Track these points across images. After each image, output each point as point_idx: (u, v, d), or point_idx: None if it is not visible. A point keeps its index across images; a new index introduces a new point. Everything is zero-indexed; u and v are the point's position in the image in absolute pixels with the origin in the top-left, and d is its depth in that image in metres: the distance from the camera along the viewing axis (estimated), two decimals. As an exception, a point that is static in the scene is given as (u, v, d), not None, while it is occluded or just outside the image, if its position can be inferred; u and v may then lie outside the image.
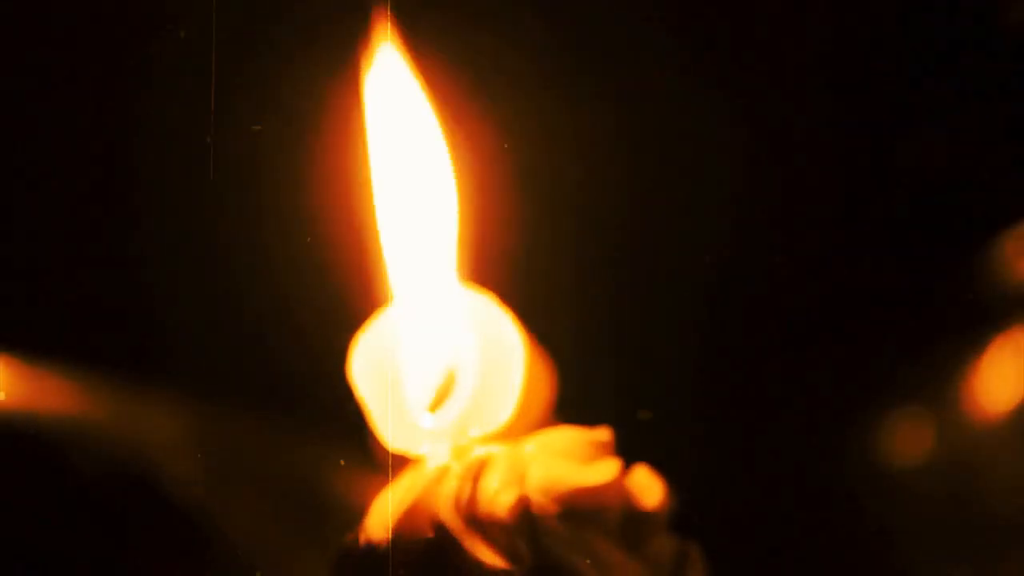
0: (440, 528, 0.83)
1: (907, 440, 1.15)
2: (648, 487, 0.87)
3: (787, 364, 1.12)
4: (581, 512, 0.84)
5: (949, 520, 1.15)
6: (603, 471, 0.85)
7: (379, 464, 0.88)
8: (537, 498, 0.84)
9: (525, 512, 0.83)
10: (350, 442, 0.92)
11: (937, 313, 1.14)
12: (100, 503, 1.11)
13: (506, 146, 1.01)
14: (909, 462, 1.15)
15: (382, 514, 0.84)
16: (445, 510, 0.83)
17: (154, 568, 1.11)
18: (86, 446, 1.11)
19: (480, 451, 0.86)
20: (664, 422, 1.02)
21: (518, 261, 0.98)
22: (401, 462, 0.87)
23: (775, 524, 1.08)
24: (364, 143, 0.88)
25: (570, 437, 0.87)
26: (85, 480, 1.11)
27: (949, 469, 1.15)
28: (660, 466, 0.87)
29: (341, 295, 0.95)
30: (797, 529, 1.10)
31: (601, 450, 0.87)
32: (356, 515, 0.86)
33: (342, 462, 1.01)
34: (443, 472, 0.85)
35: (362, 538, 0.84)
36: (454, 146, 0.91)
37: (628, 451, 0.87)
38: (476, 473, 0.84)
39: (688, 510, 0.88)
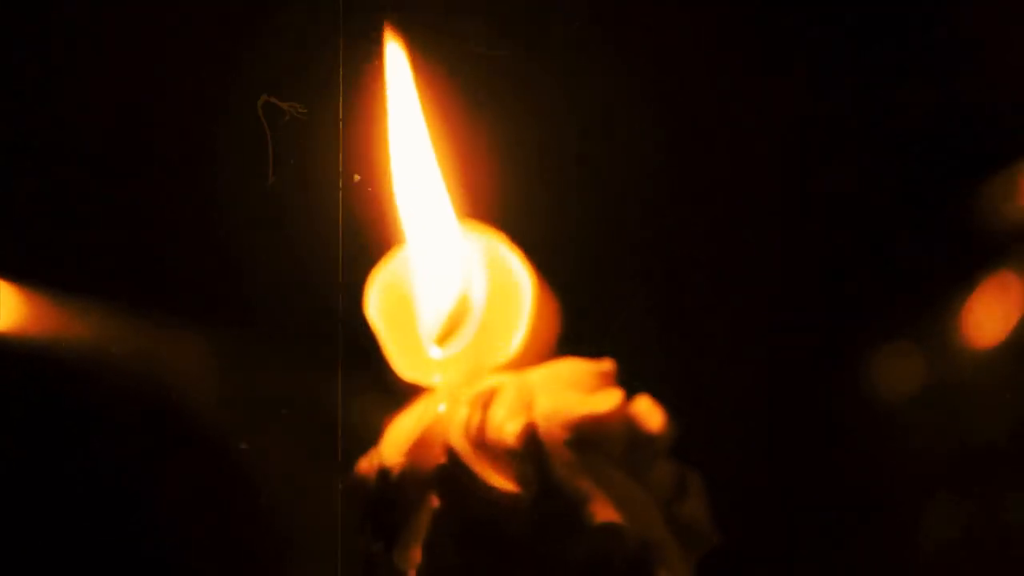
0: (450, 454, 0.85)
1: (897, 373, 1.18)
2: (650, 415, 0.90)
3: (781, 298, 1.14)
4: (586, 439, 0.87)
5: (938, 450, 1.18)
6: (607, 400, 0.88)
7: (392, 393, 0.91)
8: (544, 425, 0.86)
9: (532, 439, 0.85)
10: (365, 372, 0.95)
11: (928, 250, 1.16)
12: (118, 432, 1.14)
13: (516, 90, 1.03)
14: (899, 395, 1.18)
15: (394, 441, 0.87)
16: (455, 437, 0.86)
17: (171, 496, 1.14)
18: (103, 375, 1.13)
19: (489, 381, 0.88)
20: (666, 353, 1.05)
21: (526, 200, 1.00)
22: (413, 391, 0.90)
23: (769, 453, 1.11)
24: (380, 87, 0.90)
25: (575, 368, 0.89)
26: (103, 409, 1.13)
27: (938, 401, 1.18)
28: (661, 396, 0.90)
29: (357, 232, 0.97)
30: (790, 459, 1.13)
31: (605, 380, 0.89)
32: (370, 442, 0.88)
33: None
34: (453, 401, 0.87)
35: (375, 463, 0.87)
36: (464, 89, 0.93)
37: (631, 381, 0.89)
38: (485, 402, 0.87)
39: (689, 438, 0.90)
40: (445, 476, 0.85)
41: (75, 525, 1.14)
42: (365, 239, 0.94)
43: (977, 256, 1.17)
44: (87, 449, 1.14)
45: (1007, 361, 1.17)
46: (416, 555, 0.86)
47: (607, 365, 0.90)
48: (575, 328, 0.92)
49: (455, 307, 0.91)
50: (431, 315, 0.90)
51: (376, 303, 0.91)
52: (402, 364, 0.91)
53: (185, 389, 1.12)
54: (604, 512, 0.85)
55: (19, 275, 1.13)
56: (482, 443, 0.86)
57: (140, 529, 1.15)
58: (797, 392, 1.15)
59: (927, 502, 1.18)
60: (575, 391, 0.88)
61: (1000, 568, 1.16)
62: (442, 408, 0.87)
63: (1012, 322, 1.17)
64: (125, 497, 1.14)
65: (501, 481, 0.85)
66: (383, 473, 0.87)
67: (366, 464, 0.88)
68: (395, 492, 0.86)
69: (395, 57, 0.90)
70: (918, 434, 1.18)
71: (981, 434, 1.17)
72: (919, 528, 1.18)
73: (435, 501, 0.85)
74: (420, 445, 0.86)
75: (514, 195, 0.98)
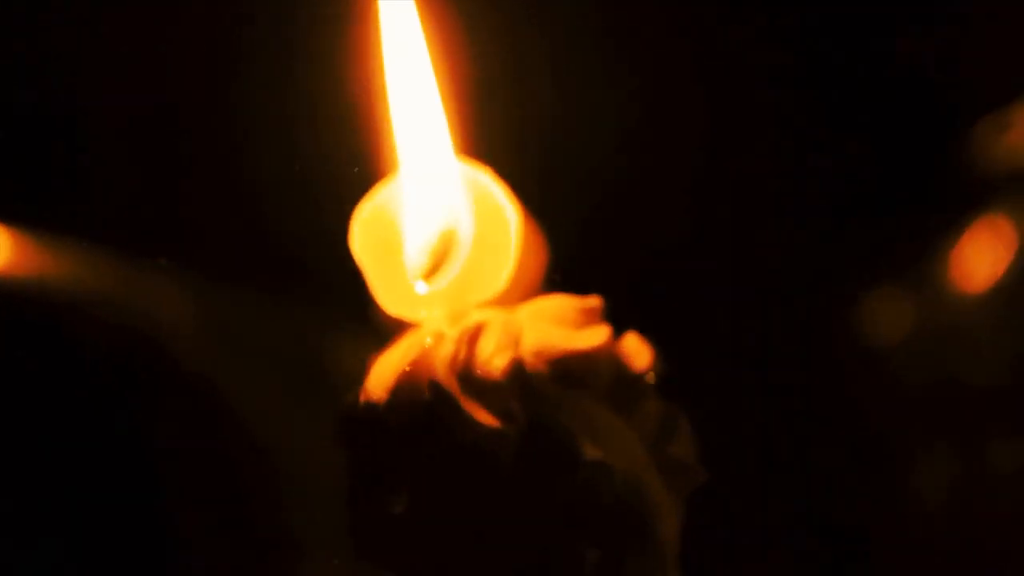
0: (436, 389, 0.85)
1: (888, 316, 1.18)
2: (638, 353, 0.89)
3: (773, 239, 1.14)
4: (572, 375, 0.87)
5: (929, 393, 1.18)
6: (594, 336, 0.87)
7: (378, 329, 0.91)
8: (530, 361, 0.85)
9: (518, 374, 0.85)
10: (350, 307, 0.94)
11: (919, 193, 1.16)
12: (108, 376, 1.14)
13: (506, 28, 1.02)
14: (890, 338, 1.18)
15: (379, 376, 0.86)
16: (441, 372, 0.85)
17: (161, 439, 1.14)
18: (93, 319, 1.13)
19: (475, 317, 0.88)
20: (654, 290, 1.05)
21: (514, 136, 1.00)
22: (399, 327, 0.90)
23: (759, 393, 1.11)
24: (372, 19, 0.90)
25: (562, 304, 0.89)
26: (93, 353, 1.13)
27: (929, 344, 1.18)
28: (649, 333, 0.90)
29: (343, 166, 0.97)
30: (780, 402, 1.13)
31: (592, 317, 0.89)
32: (356, 378, 0.88)
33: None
34: (439, 336, 0.87)
35: (361, 399, 0.86)
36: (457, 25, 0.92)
37: (618, 318, 0.89)
38: (471, 337, 0.86)
39: (676, 376, 0.90)
40: (431, 412, 0.85)
41: (56, 467, 1.14)
42: (350, 172, 0.93)
43: (968, 199, 1.17)
44: (68, 391, 1.13)
45: (998, 304, 1.17)
46: (402, 492, 0.85)
47: (594, 302, 0.89)
48: (563, 264, 0.92)
49: (441, 242, 0.90)
50: (417, 249, 0.90)
51: (361, 237, 0.90)
52: (387, 299, 0.90)
53: (168, 330, 1.12)
54: (591, 449, 0.84)
55: (1, 215, 1.12)
56: (468, 379, 0.85)
57: (122, 470, 1.14)
58: (787, 333, 1.14)
59: (918, 445, 1.18)
60: (562, 327, 0.88)
61: (990, 511, 1.16)
62: (428, 343, 0.86)
63: (1003, 265, 1.16)
64: (109, 439, 1.14)
65: (487, 417, 0.85)
66: (369, 409, 0.86)
67: (351, 400, 0.87)
68: (380, 428, 0.86)
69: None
70: (909, 377, 1.18)
71: (972, 377, 1.17)
72: (909, 471, 1.18)
73: (421, 437, 0.85)
74: (405, 381, 0.86)
75: (502, 129, 0.97)
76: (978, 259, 1.16)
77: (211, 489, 1.12)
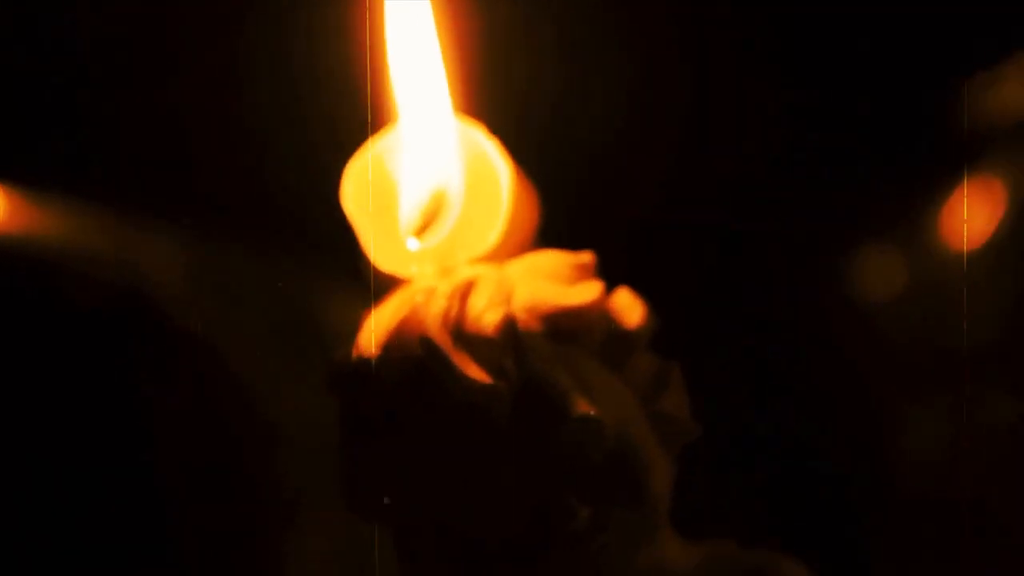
0: (428, 345, 0.85)
1: (879, 273, 1.18)
2: (629, 308, 0.89)
3: (764, 195, 1.14)
4: (565, 330, 0.87)
5: (918, 352, 1.18)
6: (586, 292, 0.88)
7: (370, 285, 0.91)
8: (522, 317, 0.86)
9: (511, 330, 0.85)
10: (342, 264, 0.94)
11: (911, 149, 1.16)
12: (99, 332, 1.14)
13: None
14: (880, 294, 1.18)
15: (373, 332, 0.86)
16: (433, 328, 0.85)
17: (152, 395, 1.14)
18: (85, 275, 1.12)
19: (467, 272, 0.88)
20: (645, 245, 1.05)
21: (507, 93, 1.00)
22: (391, 283, 0.90)
23: (748, 350, 1.11)
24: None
25: (555, 260, 0.89)
26: (84, 309, 1.13)
27: (919, 301, 1.18)
28: (641, 288, 0.90)
29: (335, 121, 0.97)
30: (768, 357, 1.13)
31: (584, 272, 0.89)
32: (348, 334, 0.88)
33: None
34: (431, 292, 0.87)
35: (353, 354, 0.87)
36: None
37: (610, 274, 0.89)
38: (463, 293, 0.87)
39: (668, 331, 0.90)
40: (422, 367, 0.85)
41: (46, 423, 1.14)
42: (343, 129, 0.93)
43: (960, 155, 1.17)
44: (61, 347, 1.13)
45: (989, 262, 1.17)
46: (394, 446, 0.86)
47: (586, 257, 0.89)
48: (554, 221, 0.92)
49: (433, 198, 0.90)
50: (410, 205, 0.90)
51: (353, 194, 0.90)
52: (379, 255, 0.90)
53: (159, 286, 1.12)
54: (582, 404, 0.84)
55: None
56: (460, 334, 0.86)
57: (113, 426, 1.14)
58: (777, 290, 1.14)
59: (906, 402, 1.18)
60: (554, 283, 0.88)
61: (978, 468, 1.16)
62: (420, 299, 0.86)
63: (994, 223, 1.16)
64: (100, 395, 1.14)
65: (479, 372, 0.85)
66: (361, 365, 0.86)
67: (344, 356, 0.88)
68: (373, 384, 0.86)
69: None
70: (898, 334, 1.18)
71: (962, 335, 1.17)
72: (898, 428, 1.18)
73: (412, 392, 0.85)
74: (398, 337, 0.86)
75: (495, 86, 0.97)
76: (970, 216, 1.16)
77: (202, 445, 1.13)
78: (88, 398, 1.13)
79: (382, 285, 0.90)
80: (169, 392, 1.12)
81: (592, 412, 0.84)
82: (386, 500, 0.87)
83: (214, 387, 1.11)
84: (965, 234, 1.16)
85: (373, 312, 0.88)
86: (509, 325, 0.85)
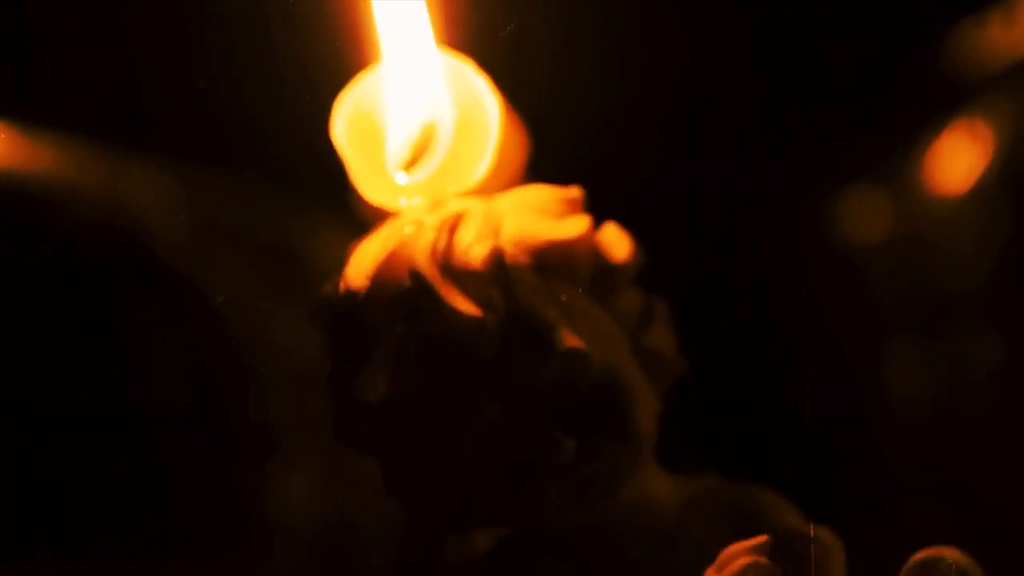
0: (416, 277, 0.85)
1: (863, 217, 1.18)
2: (617, 243, 0.90)
3: (751, 139, 1.14)
4: (552, 264, 0.87)
5: (903, 295, 1.18)
6: (574, 226, 0.88)
7: (358, 217, 0.91)
8: (510, 250, 0.86)
9: (498, 263, 0.85)
10: (331, 197, 0.94)
11: (897, 93, 1.16)
12: (88, 267, 1.13)
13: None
14: (864, 239, 1.18)
15: (360, 264, 0.86)
16: (421, 260, 0.85)
17: (136, 328, 1.14)
18: (72, 208, 1.12)
19: (456, 205, 0.88)
20: (634, 182, 1.05)
21: (495, 27, 0.99)
22: (380, 216, 0.90)
23: (734, 287, 1.12)
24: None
25: (543, 194, 0.89)
26: (73, 245, 1.13)
27: (903, 246, 1.18)
28: (629, 223, 0.90)
29: (325, 54, 0.96)
30: (753, 293, 1.13)
31: (572, 207, 0.89)
32: (336, 267, 0.88)
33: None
34: (419, 225, 0.87)
35: (341, 287, 0.87)
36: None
37: (598, 209, 0.89)
38: (452, 226, 0.87)
39: (655, 267, 0.91)
40: (411, 300, 0.85)
41: (31, 357, 1.14)
42: (332, 63, 0.93)
43: (946, 100, 1.17)
44: (54, 282, 1.13)
45: (973, 207, 1.17)
46: (381, 380, 0.86)
47: (575, 192, 0.89)
48: (543, 155, 0.92)
49: (422, 132, 0.90)
50: (399, 138, 0.90)
51: (343, 127, 0.90)
52: (368, 188, 0.90)
53: (148, 221, 1.12)
54: (569, 338, 0.85)
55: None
56: (448, 267, 0.86)
57: (105, 362, 1.15)
58: (762, 232, 1.15)
59: (889, 347, 1.19)
60: (542, 217, 0.88)
61: (960, 414, 1.17)
62: (408, 232, 0.86)
63: (980, 168, 1.17)
64: (93, 330, 1.14)
65: (467, 305, 0.85)
66: (348, 297, 0.86)
67: (331, 288, 0.88)
68: (360, 316, 0.86)
69: None
70: (882, 279, 1.19)
71: (946, 280, 1.18)
72: (880, 373, 1.19)
73: (400, 325, 0.85)
74: (386, 269, 0.86)
75: (483, 20, 0.97)
76: (955, 161, 1.16)
77: (186, 377, 1.13)
78: (72, 332, 1.13)
79: (371, 218, 0.90)
80: (153, 325, 1.12)
81: (579, 345, 0.84)
82: (372, 430, 0.87)
83: (199, 321, 1.11)
84: (950, 179, 1.17)
85: (361, 245, 0.88)
86: (497, 258, 0.85)
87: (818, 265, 1.18)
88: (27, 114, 1.12)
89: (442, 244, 0.86)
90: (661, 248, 0.91)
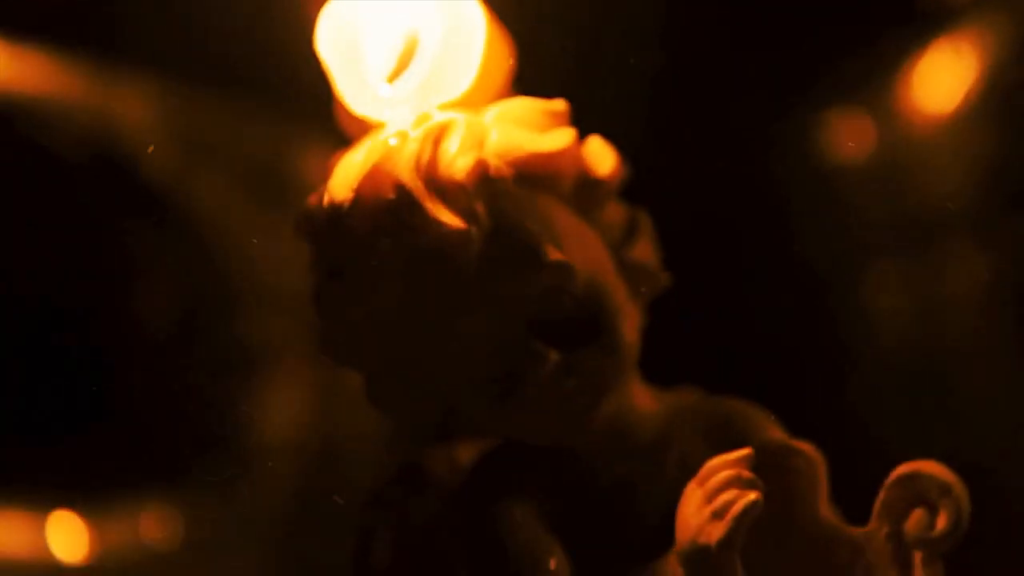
0: (400, 189, 0.84)
1: (846, 136, 1.18)
2: (601, 156, 0.89)
3: (735, 60, 1.14)
4: (536, 177, 0.87)
5: (885, 214, 1.19)
6: (558, 139, 0.87)
7: (342, 130, 0.91)
8: (494, 162, 0.85)
9: (483, 175, 0.85)
10: (315, 108, 0.94)
11: (880, 12, 1.15)
12: (73, 184, 1.13)
13: None
14: (846, 158, 1.18)
15: (344, 176, 0.86)
16: (405, 172, 0.85)
17: (120, 244, 1.13)
18: (59, 127, 1.12)
19: (440, 117, 0.87)
20: (618, 96, 1.05)
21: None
22: (363, 128, 0.89)
23: (718, 201, 1.12)
24: None
25: (528, 106, 0.89)
26: (59, 162, 1.12)
27: (886, 165, 1.18)
28: (613, 137, 0.90)
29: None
30: (736, 213, 1.13)
31: (557, 120, 0.89)
32: (320, 179, 0.88)
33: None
34: (404, 137, 0.86)
35: (325, 199, 0.86)
36: None
37: (583, 122, 0.89)
38: (436, 138, 0.86)
39: (639, 180, 0.90)
40: (394, 212, 0.85)
41: (23, 279, 1.13)
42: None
43: (929, 21, 1.17)
44: (39, 202, 1.13)
45: (956, 128, 1.17)
46: (366, 290, 0.85)
47: (560, 105, 0.89)
48: (528, 68, 0.92)
49: (406, 43, 0.89)
50: (382, 49, 0.89)
51: (326, 39, 0.90)
52: (352, 100, 0.90)
53: (131, 133, 1.11)
54: (553, 251, 0.84)
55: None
56: (432, 179, 0.85)
57: (90, 282, 1.14)
58: (744, 152, 1.15)
59: (870, 266, 1.19)
60: (527, 129, 0.88)
61: (940, 332, 1.17)
62: (392, 144, 0.86)
63: (964, 88, 1.16)
64: (70, 240, 1.13)
65: (450, 217, 0.84)
66: (332, 209, 0.86)
67: (315, 201, 0.87)
68: (345, 228, 0.86)
69: None
70: (864, 198, 1.19)
71: (928, 201, 1.18)
72: (861, 292, 1.19)
73: (384, 237, 0.85)
74: (369, 181, 0.85)
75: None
76: (937, 78, 1.16)
77: (170, 293, 1.12)
78: (57, 245, 1.13)
79: (354, 130, 0.89)
80: (137, 241, 1.12)
81: (562, 258, 0.84)
82: (356, 344, 0.87)
83: (184, 238, 1.11)
84: (933, 99, 1.17)
85: (344, 157, 0.87)
86: (481, 170, 0.85)
87: (799, 185, 1.18)
88: (14, 33, 1.11)
89: (426, 156, 0.85)
90: (644, 164, 0.91)
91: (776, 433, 0.89)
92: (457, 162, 0.85)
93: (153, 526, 1.17)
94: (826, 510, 0.85)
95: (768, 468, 0.82)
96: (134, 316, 1.14)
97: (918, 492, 0.82)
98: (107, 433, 1.15)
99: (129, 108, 1.11)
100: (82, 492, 1.16)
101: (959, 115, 1.16)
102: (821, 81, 1.16)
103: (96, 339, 1.14)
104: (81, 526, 1.17)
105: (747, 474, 0.80)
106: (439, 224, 0.84)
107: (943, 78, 1.17)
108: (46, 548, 1.16)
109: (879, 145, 1.19)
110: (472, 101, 0.89)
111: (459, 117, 0.87)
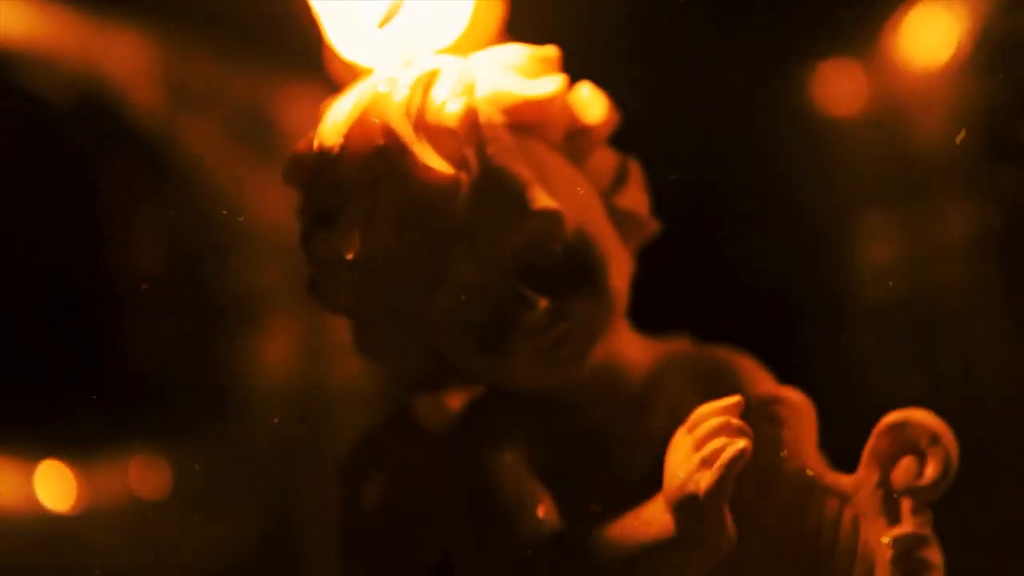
0: (390, 135, 0.84)
1: (837, 88, 1.18)
2: (591, 103, 0.89)
3: (727, 8, 1.13)
4: (526, 123, 0.86)
5: (876, 163, 1.18)
6: (549, 85, 0.87)
7: (331, 76, 0.90)
8: (484, 108, 0.85)
9: (472, 121, 0.85)
10: (304, 55, 0.94)
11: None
12: (64, 131, 1.13)
13: None
14: (838, 110, 1.18)
15: (333, 122, 0.86)
16: (395, 118, 0.84)
17: (116, 192, 1.13)
18: (48, 74, 1.11)
19: (430, 63, 0.87)
20: (609, 44, 1.04)
21: None
22: (353, 73, 0.89)
23: (708, 153, 1.11)
24: None
25: (518, 53, 0.88)
26: (47, 108, 1.12)
27: (877, 116, 1.18)
28: (604, 84, 0.89)
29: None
30: (729, 162, 1.13)
31: (548, 66, 0.88)
32: (309, 125, 0.87)
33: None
34: (393, 82, 0.86)
35: (315, 144, 0.86)
36: None
37: (573, 68, 0.89)
38: (426, 83, 0.86)
39: (629, 127, 0.90)
40: (384, 157, 0.84)
41: (13, 224, 1.13)
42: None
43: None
44: (28, 147, 1.12)
45: (947, 79, 1.17)
46: (354, 236, 0.85)
47: (551, 51, 0.89)
48: (519, 13, 0.91)
49: (397, -13, 0.89)
50: (373, -5, 0.89)
51: (317, -17, 0.89)
52: (342, 44, 0.89)
53: (120, 82, 1.11)
54: (542, 197, 0.84)
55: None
56: (422, 124, 0.85)
57: (80, 228, 1.14)
58: (738, 101, 1.14)
59: (862, 218, 1.19)
60: (517, 75, 0.88)
61: (929, 279, 1.17)
62: (382, 89, 0.86)
63: (955, 40, 1.16)
64: (68, 196, 1.13)
65: (440, 163, 0.84)
66: (322, 154, 0.86)
67: (305, 146, 0.87)
68: (334, 173, 0.85)
69: None
70: (855, 148, 1.19)
71: (918, 151, 1.18)
72: (853, 242, 1.19)
73: (373, 182, 0.85)
74: (359, 126, 0.85)
75: None
76: (930, 31, 1.15)
77: (160, 246, 1.12)
78: (44, 193, 1.12)
79: (344, 75, 0.89)
80: (125, 189, 1.12)
81: (552, 205, 0.84)
82: (345, 288, 0.87)
83: (171, 183, 1.11)
84: (925, 50, 1.17)
85: (334, 102, 0.87)
86: (471, 116, 0.85)
87: (790, 134, 1.18)
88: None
89: (416, 102, 0.85)
90: (634, 111, 0.91)
91: (766, 382, 0.89)
92: (447, 108, 0.85)
93: (141, 475, 1.17)
94: (815, 458, 0.85)
95: (757, 416, 0.82)
96: (122, 264, 1.14)
97: (907, 440, 0.82)
98: (95, 382, 1.15)
99: (117, 54, 1.10)
100: (70, 441, 1.16)
101: (950, 65, 1.16)
102: (813, 31, 1.15)
103: (83, 288, 1.14)
104: (69, 475, 1.17)
105: (736, 422, 0.80)
106: (428, 170, 0.84)
107: (934, 28, 1.16)
108: (35, 498, 1.16)
109: (870, 95, 1.19)
110: (463, 47, 0.89)
111: (449, 63, 0.87)
